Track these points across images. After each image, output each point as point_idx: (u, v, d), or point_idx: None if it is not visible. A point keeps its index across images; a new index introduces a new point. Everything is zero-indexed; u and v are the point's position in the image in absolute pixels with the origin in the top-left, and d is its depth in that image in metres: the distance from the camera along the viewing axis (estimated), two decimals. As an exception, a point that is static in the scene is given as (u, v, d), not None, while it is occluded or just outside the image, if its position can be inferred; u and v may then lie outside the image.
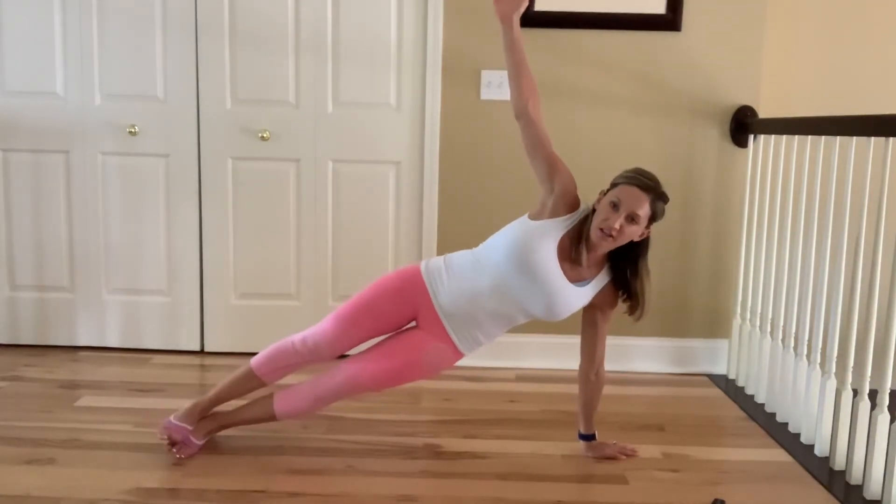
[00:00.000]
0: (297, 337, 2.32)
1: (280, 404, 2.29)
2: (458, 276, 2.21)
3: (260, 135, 3.16)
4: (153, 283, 3.29)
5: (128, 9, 3.11)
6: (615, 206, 2.08)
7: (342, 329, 2.26)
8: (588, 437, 2.41)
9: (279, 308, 3.29)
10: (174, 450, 2.26)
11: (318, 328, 2.30)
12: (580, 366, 2.38)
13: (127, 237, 3.26)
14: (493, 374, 3.16)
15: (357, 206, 3.23)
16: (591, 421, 2.40)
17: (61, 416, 2.59)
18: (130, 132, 3.17)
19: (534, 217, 2.18)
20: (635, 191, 2.08)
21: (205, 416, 2.34)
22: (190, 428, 2.28)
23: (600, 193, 2.18)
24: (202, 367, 3.18)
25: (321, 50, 3.13)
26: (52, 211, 3.25)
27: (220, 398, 2.36)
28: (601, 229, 2.08)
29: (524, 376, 3.15)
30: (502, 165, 3.17)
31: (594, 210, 2.15)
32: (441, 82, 3.11)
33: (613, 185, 2.15)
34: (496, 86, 3.10)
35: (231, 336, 3.31)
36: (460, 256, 2.27)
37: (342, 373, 2.25)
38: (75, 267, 3.29)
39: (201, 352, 3.33)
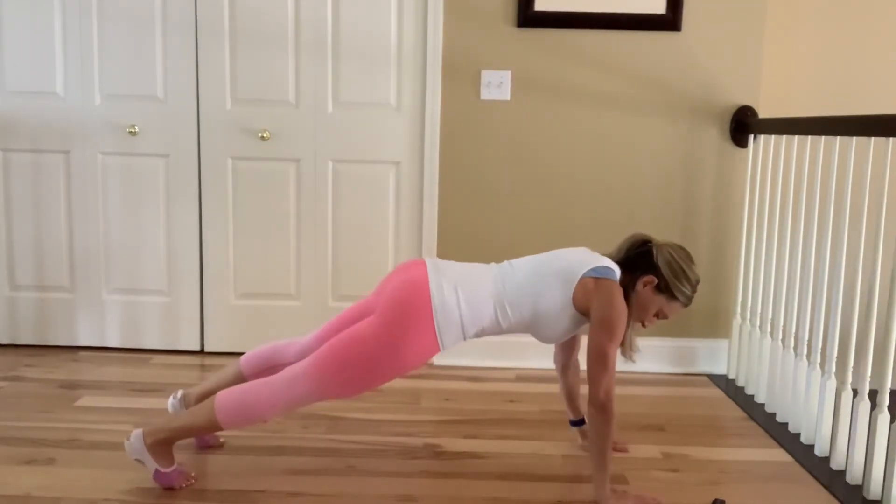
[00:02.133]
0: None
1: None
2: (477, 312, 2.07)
3: (260, 135, 3.16)
4: (153, 283, 3.29)
5: (128, 9, 3.11)
6: (666, 316, 2.14)
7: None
8: (579, 423, 2.44)
9: (279, 308, 3.29)
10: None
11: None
12: (556, 358, 2.40)
13: (127, 237, 3.26)
14: (493, 374, 3.16)
15: (357, 206, 3.23)
16: (578, 406, 2.42)
17: (61, 416, 2.59)
18: (130, 132, 3.17)
19: (578, 305, 2.06)
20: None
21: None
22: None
23: (651, 286, 2.09)
24: (202, 367, 3.18)
25: (321, 50, 3.13)
26: (52, 211, 3.25)
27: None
28: (643, 324, 2.14)
29: (524, 376, 3.15)
30: (502, 165, 3.17)
31: (634, 286, 2.09)
32: (441, 82, 3.11)
33: (672, 294, 2.08)
34: (496, 86, 3.10)
35: (231, 336, 3.31)
36: (481, 289, 2.08)
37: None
38: (75, 267, 3.29)
39: (201, 352, 3.33)
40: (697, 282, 2.13)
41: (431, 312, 2.00)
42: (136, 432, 2.06)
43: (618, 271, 2.10)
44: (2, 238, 3.27)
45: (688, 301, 2.12)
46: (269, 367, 2.30)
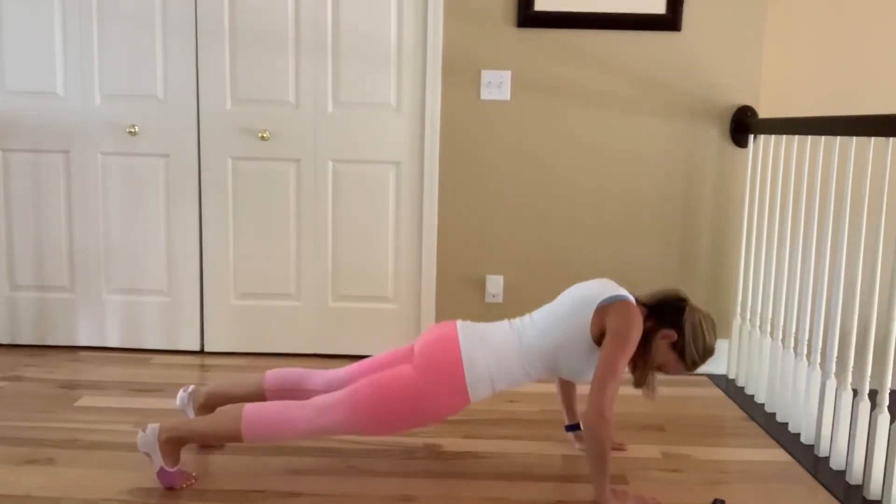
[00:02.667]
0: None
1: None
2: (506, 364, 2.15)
3: (260, 135, 3.16)
4: (153, 283, 3.29)
5: (128, 9, 3.11)
6: (666, 371, 2.18)
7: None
8: (574, 427, 2.47)
9: (279, 308, 3.29)
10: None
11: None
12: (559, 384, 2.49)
13: (127, 237, 3.26)
14: (493, 374, 3.16)
15: (357, 207, 3.23)
16: (575, 410, 2.46)
17: (61, 416, 2.58)
18: (130, 132, 3.17)
19: (595, 334, 2.10)
20: None
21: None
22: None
23: (669, 341, 2.12)
24: (202, 367, 3.18)
25: (321, 50, 3.13)
26: (52, 211, 3.25)
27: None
28: (640, 371, 2.16)
29: (524, 376, 3.15)
30: (502, 165, 3.17)
31: (654, 335, 2.12)
32: (441, 82, 3.11)
33: (683, 353, 2.12)
34: (496, 86, 3.11)
35: (231, 336, 3.31)
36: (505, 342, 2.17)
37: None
38: (75, 267, 3.29)
39: (201, 352, 3.33)
40: (711, 353, 2.15)
41: (463, 370, 2.09)
42: (153, 426, 2.08)
43: (632, 298, 2.13)
44: (2, 238, 3.27)
45: (693, 367, 2.15)
46: (293, 390, 2.30)
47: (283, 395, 2.31)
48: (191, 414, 2.36)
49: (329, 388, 2.29)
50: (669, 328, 2.11)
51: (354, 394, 2.10)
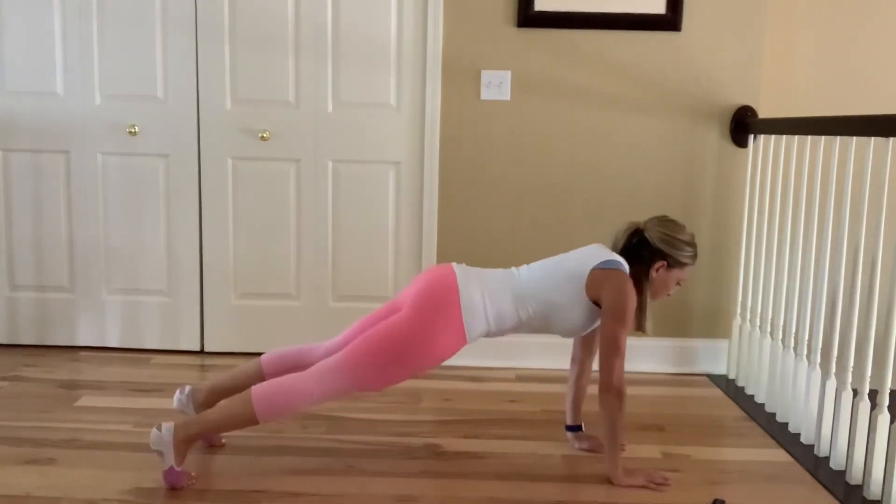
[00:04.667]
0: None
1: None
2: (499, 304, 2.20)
3: (260, 135, 3.16)
4: (153, 283, 3.29)
5: (128, 9, 3.11)
6: (684, 280, 2.29)
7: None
8: (575, 429, 2.47)
9: (279, 308, 3.29)
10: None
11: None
12: (574, 356, 2.46)
13: (127, 237, 3.26)
14: (493, 374, 3.16)
15: (357, 206, 3.23)
16: (579, 412, 2.48)
17: (61, 416, 2.59)
18: (130, 132, 3.17)
19: (591, 295, 2.18)
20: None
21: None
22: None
23: (663, 268, 2.23)
24: (202, 367, 3.18)
25: (321, 50, 3.13)
26: (52, 211, 3.25)
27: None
28: (668, 294, 2.30)
29: (524, 376, 3.15)
30: (502, 165, 3.17)
31: (647, 275, 2.24)
32: (441, 82, 3.11)
33: (680, 263, 2.24)
34: (496, 86, 3.11)
35: (231, 336, 3.31)
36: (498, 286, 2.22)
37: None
38: (75, 267, 3.29)
39: (201, 352, 3.34)
40: (692, 238, 2.27)
41: (460, 306, 2.13)
42: (168, 425, 2.08)
43: (625, 264, 2.21)
44: (2, 238, 3.27)
45: (695, 258, 2.27)
46: (293, 368, 2.30)
47: (285, 374, 2.27)
48: (192, 413, 2.36)
49: (329, 356, 2.25)
50: (653, 261, 2.22)
51: (351, 351, 2.12)
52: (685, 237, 2.25)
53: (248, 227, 3.25)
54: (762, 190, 2.97)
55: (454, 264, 2.25)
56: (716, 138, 3.15)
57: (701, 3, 3.06)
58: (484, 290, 2.17)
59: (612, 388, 2.12)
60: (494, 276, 2.24)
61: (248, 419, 2.10)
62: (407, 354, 2.11)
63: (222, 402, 2.24)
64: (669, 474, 2.27)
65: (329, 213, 3.24)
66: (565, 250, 3.21)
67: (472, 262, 3.23)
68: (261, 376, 2.32)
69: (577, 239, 3.20)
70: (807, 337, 2.63)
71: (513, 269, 2.29)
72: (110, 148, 3.21)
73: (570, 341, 2.50)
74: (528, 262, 2.29)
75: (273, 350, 2.39)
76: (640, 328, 2.24)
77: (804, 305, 2.62)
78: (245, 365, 2.38)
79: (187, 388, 2.36)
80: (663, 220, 2.26)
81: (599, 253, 2.22)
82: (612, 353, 2.12)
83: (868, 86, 3.25)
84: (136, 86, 3.17)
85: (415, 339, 2.11)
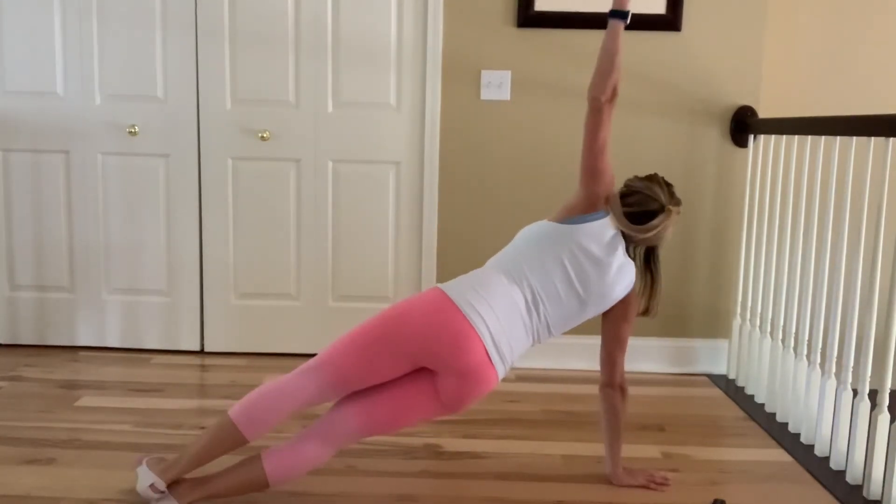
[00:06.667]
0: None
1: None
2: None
3: (260, 135, 3.16)
4: (153, 283, 3.29)
5: (128, 9, 3.11)
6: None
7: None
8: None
9: (279, 308, 3.29)
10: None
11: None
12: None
13: (127, 237, 3.26)
14: (493, 374, 3.16)
15: (357, 206, 3.23)
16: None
17: (61, 416, 2.59)
18: (130, 132, 3.17)
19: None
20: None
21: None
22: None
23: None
24: (202, 367, 3.18)
25: (321, 50, 3.13)
26: (52, 211, 3.25)
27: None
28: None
29: (524, 376, 3.15)
30: (502, 165, 3.17)
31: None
32: (441, 82, 3.11)
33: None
34: (496, 86, 3.11)
35: (231, 336, 3.31)
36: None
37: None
38: (75, 267, 3.29)
39: (201, 352, 3.33)
40: (659, 179, 2.11)
41: (497, 379, 1.96)
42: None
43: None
44: (2, 238, 3.27)
45: (677, 199, 2.10)
46: (269, 415, 1.96)
47: (266, 427, 1.97)
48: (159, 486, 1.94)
49: (313, 401, 1.98)
50: (661, 220, 2.05)
51: (378, 425, 1.97)
52: (655, 188, 2.09)
53: (248, 227, 3.25)
54: (762, 190, 2.97)
55: (477, 323, 1.90)
56: (716, 138, 3.15)
57: (701, 3, 3.06)
58: (510, 339, 1.95)
59: (619, 384, 2.15)
60: (505, 305, 1.97)
61: (260, 489, 1.96)
62: (430, 415, 2.00)
63: (230, 474, 1.97)
64: (669, 474, 2.27)
65: (329, 214, 3.24)
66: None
67: (473, 262, 3.23)
68: (239, 436, 1.94)
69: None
70: (807, 337, 2.63)
71: (525, 291, 2.03)
72: (110, 148, 3.21)
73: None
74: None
75: (237, 405, 1.96)
76: (647, 313, 2.16)
77: (804, 305, 2.62)
78: (214, 428, 1.96)
79: (147, 469, 1.95)
80: (626, 193, 2.11)
81: (629, 276, 2.07)
82: (620, 351, 2.15)
83: (868, 86, 3.25)
84: (136, 86, 3.17)
85: (444, 407, 1.96)
